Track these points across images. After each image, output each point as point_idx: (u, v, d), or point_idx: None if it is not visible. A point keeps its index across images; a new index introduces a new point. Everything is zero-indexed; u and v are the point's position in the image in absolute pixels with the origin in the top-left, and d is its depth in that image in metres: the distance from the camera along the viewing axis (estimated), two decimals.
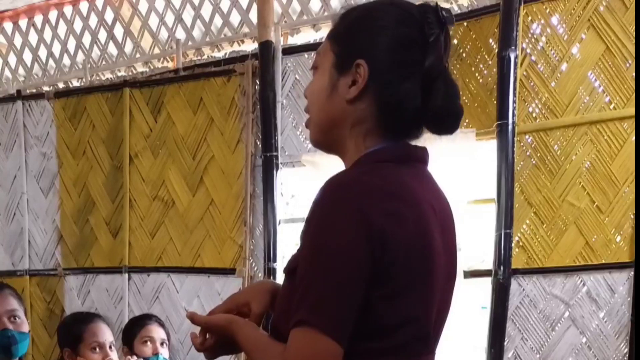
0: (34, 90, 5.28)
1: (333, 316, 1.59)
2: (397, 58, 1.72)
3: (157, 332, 4.23)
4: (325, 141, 1.82)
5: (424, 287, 1.67)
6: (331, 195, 1.63)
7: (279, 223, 4.22)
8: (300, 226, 1.97)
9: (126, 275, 4.71)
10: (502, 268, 3.53)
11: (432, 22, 1.73)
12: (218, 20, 4.74)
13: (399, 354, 1.67)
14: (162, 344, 4.18)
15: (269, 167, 4.25)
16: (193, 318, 1.87)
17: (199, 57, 4.80)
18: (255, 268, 4.34)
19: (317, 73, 1.81)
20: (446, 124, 1.75)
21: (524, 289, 3.57)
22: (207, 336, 1.87)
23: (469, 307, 3.60)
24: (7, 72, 5.62)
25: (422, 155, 1.78)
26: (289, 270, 1.72)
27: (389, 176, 1.67)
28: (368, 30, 1.75)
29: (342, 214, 1.59)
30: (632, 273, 3.35)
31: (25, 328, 3.53)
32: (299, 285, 1.62)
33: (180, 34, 4.87)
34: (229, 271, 4.35)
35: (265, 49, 4.27)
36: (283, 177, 4.27)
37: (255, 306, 1.90)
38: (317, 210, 1.63)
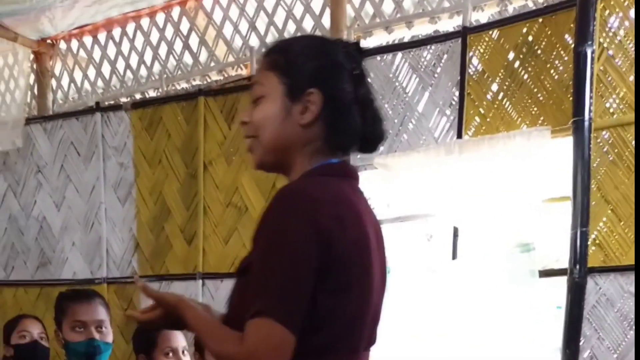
0: (112, 102, 5.36)
1: (287, 307, 1.74)
2: (344, 87, 1.92)
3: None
4: (274, 162, 1.97)
5: (361, 288, 1.83)
6: (283, 203, 1.80)
7: None
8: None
9: (200, 281, 4.74)
10: (577, 267, 3.45)
11: (357, 57, 1.97)
12: (291, 26, 4.75)
13: (330, 348, 1.81)
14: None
15: None
16: (145, 288, 1.98)
17: None
18: None
19: (264, 101, 1.94)
20: (372, 145, 1.99)
21: (600, 288, 3.48)
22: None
23: (543, 306, 3.53)
24: (86, 85, 5.72)
25: (355, 173, 1.99)
26: (241, 269, 1.88)
27: (333, 187, 1.86)
28: (317, 62, 1.92)
29: (293, 217, 1.76)
30: None
31: (110, 338, 3.56)
32: (254, 281, 1.76)
33: (254, 41, 4.90)
34: None
35: None
36: None
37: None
38: (270, 215, 1.80)
